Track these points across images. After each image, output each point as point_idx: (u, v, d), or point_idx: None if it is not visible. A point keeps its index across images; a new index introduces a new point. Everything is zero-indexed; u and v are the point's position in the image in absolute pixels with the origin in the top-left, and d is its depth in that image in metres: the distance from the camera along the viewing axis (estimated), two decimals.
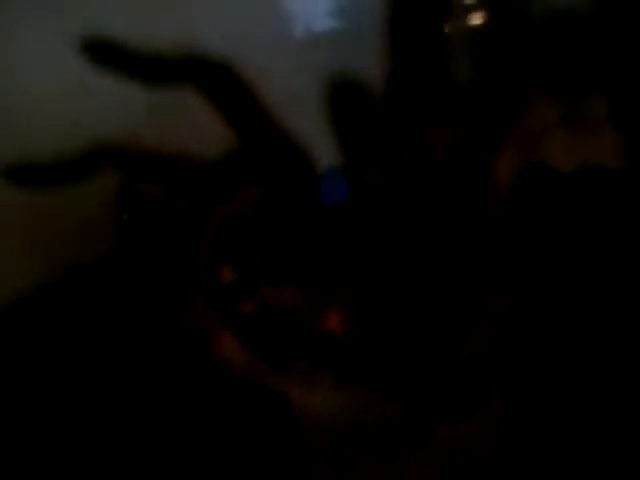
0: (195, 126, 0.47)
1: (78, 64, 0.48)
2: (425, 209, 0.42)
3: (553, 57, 0.49)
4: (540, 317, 0.43)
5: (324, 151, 0.48)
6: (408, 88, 0.43)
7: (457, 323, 0.42)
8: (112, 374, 0.44)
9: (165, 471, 0.42)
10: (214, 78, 0.43)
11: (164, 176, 0.44)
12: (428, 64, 0.44)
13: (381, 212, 0.43)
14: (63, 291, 0.46)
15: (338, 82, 0.44)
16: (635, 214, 0.45)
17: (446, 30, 0.48)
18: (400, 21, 0.44)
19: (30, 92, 0.50)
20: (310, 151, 0.44)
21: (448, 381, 0.41)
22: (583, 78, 0.48)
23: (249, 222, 0.43)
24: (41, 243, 0.49)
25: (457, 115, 0.49)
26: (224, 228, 0.43)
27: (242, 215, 0.43)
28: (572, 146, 0.47)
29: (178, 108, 0.48)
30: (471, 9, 0.52)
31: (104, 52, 0.44)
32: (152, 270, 0.45)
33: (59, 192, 0.47)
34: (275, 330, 0.42)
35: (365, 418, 0.41)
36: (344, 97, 0.44)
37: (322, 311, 0.41)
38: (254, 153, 0.43)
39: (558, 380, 0.42)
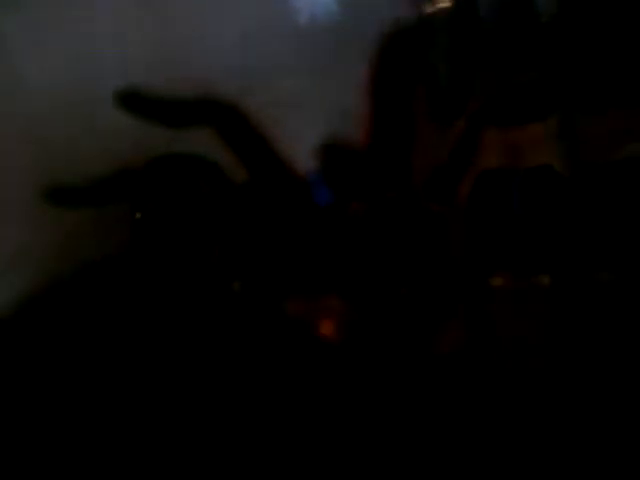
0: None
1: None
2: (405, 230, 0.48)
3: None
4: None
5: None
6: (390, 141, 0.49)
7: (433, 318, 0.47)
8: (119, 369, 0.46)
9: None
10: (227, 121, 0.48)
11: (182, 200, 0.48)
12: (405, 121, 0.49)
13: (365, 233, 0.48)
14: (76, 286, 0.48)
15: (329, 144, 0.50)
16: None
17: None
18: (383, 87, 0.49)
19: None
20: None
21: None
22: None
23: (254, 242, 0.48)
24: (56, 240, 0.51)
25: (441, 114, 0.55)
26: (232, 247, 0.47)
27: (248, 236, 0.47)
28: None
29: None
30: None
31: (134, 101, 0.48)
32: (163, 268, 0.48)
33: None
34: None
35: None
36: (335, 155, 0.50)
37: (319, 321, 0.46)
38: (260, 185, 0.48)
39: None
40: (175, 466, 0.44)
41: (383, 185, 0.49)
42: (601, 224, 0.49)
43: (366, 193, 0.49)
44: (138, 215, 0.49)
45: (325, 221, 0.48)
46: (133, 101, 0.48)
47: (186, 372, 0.45)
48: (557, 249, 0.49)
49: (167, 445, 0.44)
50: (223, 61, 0.53)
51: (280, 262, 0.48)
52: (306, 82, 0.54)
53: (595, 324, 0.46)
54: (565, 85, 0.54)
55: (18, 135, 0.52)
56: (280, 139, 0.51)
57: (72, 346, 0.46)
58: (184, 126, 0.48)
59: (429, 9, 0.56)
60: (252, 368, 0.45)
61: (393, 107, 0.49)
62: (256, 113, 0.50)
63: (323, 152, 0.49)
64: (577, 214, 0.49)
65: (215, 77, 0.51)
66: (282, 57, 0.54)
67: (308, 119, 0.53)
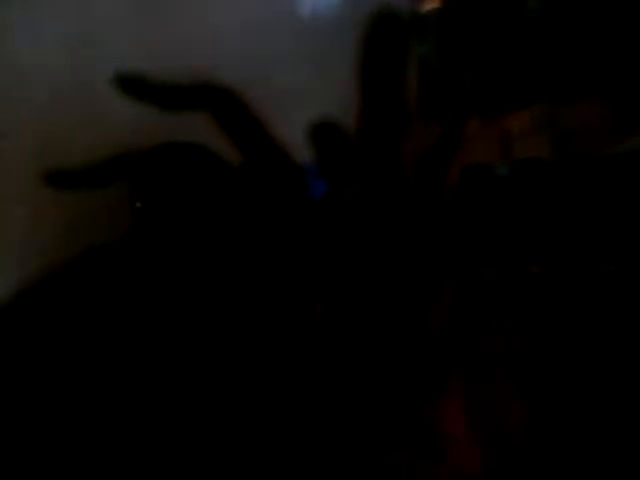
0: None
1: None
2: (393, 214, 0.49)
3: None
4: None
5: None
6: (378, 121, 0.50)
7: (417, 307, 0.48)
8: (120, 357, 0.46)
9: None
10: (223, 105, 0.49)
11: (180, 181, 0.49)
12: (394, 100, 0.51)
13: (357, 219, 0.49)
14: (78, 273, 0.48)
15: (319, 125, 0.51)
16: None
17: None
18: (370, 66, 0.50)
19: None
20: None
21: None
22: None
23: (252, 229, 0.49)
24: (57, 228, 0.51)
25: (435, 110, 0.56)
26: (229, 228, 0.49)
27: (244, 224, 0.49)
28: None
29: None
30: None
31: (130, 84, 0.49)
32: (163, 256, 0.48)
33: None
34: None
35: None
36: (326, 137, 0.51)
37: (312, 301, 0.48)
38: (255, 168, 0.49)
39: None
40: (177, 435, 0.45)
41: (373, 169, 0.50)
42: (593, 215, 0.49)
43: (357, 177, 0.49)
44: (138, 204, 0.49)
45: (319, 205, 0.49)
46: (131, 84, 0.49)
47: (187, 361, 0.46)
48: (546, 240, 0.49)
49: (171, 415, 0.45)
50: (223, 53, 0.54)
51: (275, 244, 0.48)
52: (306, 74, 0.55)
53: (591, 314, 0.47)
54: (549, 76, 0.55)
55: (18, 126, 0.53)
56: (279, 129, 0.52)
57: (73, 332, 0.47)
58: (181, 110, 0.49)
59: (422, 7, 0.58)
60: (249, 346, 0.46)
61: (381, 88, 0.50)
62: (256, 104, 0.51)
63: (314, 133, 0.50)
64: (566, 205, 0.50)
65: (215, 68, 0.52)
66: (282, 49, 0.55)
67: (307, 110, 0.54)
